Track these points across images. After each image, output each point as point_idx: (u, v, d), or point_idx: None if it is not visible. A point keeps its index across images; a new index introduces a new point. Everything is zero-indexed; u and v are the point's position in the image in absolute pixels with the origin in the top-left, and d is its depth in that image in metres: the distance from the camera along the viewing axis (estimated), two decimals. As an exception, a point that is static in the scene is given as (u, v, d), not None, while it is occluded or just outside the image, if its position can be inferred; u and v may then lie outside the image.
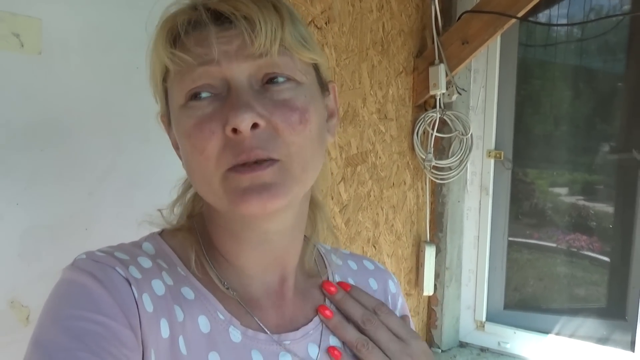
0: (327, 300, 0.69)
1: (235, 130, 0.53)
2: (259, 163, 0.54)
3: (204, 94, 0.56)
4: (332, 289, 0.68)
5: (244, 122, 0.52)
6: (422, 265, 2.19)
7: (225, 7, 0.55)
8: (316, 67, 0.62)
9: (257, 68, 0.56)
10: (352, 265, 0.77)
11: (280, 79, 0.56)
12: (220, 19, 0.56)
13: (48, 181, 0.96)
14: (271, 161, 0.54)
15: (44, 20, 0.94)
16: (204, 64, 0.55)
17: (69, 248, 0.95)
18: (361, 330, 0.65)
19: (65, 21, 0.97)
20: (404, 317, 0.73)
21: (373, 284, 0.76)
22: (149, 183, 1.08)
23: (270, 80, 0.56)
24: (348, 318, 0.67)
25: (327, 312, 0.66)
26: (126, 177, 1.07)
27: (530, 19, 2.15)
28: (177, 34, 0.57)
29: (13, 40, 0.90)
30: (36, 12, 0.93)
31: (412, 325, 0.79)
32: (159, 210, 0.67)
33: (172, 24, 0.57)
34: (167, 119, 0.63)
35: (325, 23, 1.60)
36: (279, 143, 0.55)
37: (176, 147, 0.64)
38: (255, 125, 0.53)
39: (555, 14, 2.25)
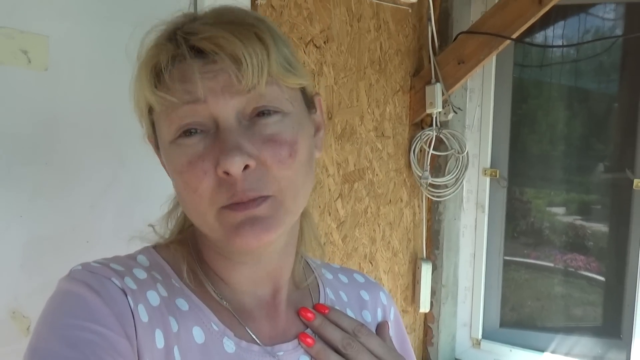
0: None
1: (226, 172, 0.53)
2: (252, 200, 0.55)
3: (193, 131, 0.55)
4: (310, 315, 0.67)
5: (234, 165, 0.52)
6: (419, 282, 2.20)
7: (208, 46, 0.54)
8: (302, 88, 0.62)
9: (246, 103, 0.55)
10: (343, 278, 0.78)
11: (268, 112, 0.56)
12: (203, 52, 0.55)
13: (51, 194, 0.98)
14: (263, 198, 0.55)
15: (51, 38, 0.96)
16: (189, 103, 0.54)
17: (71, 260, 0.96)
18: (343, 355, 0.65)
19: (71, 38, 1.00)
20: (382, 324, 0.74)
21: (364, 295, 0.77)
22: (150, 196, 1.10)
23: (258, 113, 0.56)
24: (328, 344, 0.65)
25: (309, 340, 0.65)
26: (128, 190, 1.09)
27: (526, 39, 2.19)
28: (159, 70, 0.56)
29: (21, 57, 0.93)
30: (44, 30, 0.95)
31: (404, 333, 0.80)
32: (151, 225, 0.68)
33: (155, 60, 0.56)
34: (154, 141, 0.63)
35: (324, 42, 1.63)
36: (270, 179, 0.55)
37: (165, 167, 0.65)
38: (246, 167, 0.54)
39: (550, 34, 2.29)
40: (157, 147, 0.63)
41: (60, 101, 0.99)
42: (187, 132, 0.55)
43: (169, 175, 0.63)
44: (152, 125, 0.61)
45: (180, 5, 1.17)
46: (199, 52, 0.55)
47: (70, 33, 0.99)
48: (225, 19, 0.56)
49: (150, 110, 0.59)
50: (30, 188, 0.96)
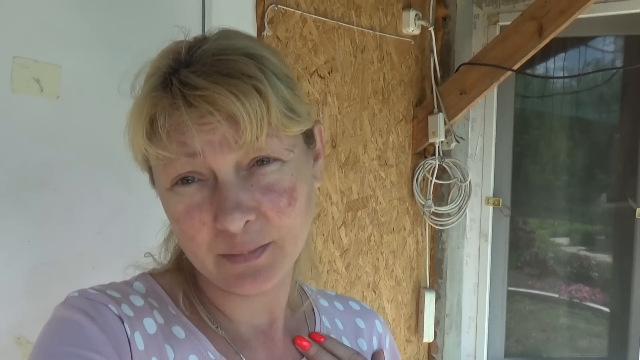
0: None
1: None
2: (252, 252, 0.55)
3: (190, 179, 0.55)
4: (305, 343, 0.66)
5: (234, 224, 0.52)
6: (422, 311, 2.19)
7: (205, 106, 0.52)
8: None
9: (244, 155, 0.54)
10: (339, 306, 0.78)
11: (268, 160, 0.55)
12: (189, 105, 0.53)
13: (59, 219, 1.00)
14: (263, 247, 0.55)
15: (63, 67, 0.99)
16: (187, 156, 0.53)
17: (76, 286, 0.96)
18: None
19: (82, 68, 1.02)
20: (378, 353, 0.74)
21: (360, 323, 0.77)
22: (156, 223, 1.11)
23: (257, 162, 0.55)
24: None
25: None
26: (134, 216, 1.11)
27: (527, 71, 2.22)
28: (154, 120, 0.54)
29: (34, 86, 0.95)
30: (56, 59, 0.98)
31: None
32: (149, 254, 0.67)
33: (151, 112, 0.54)
34: (150, 176, 0.62)
35: (329, 72, 1.66)
36: (269, 228, 0.55)
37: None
38: (246, 221, 0.54)
39: (551, 66, 2.33)
40: (152, 184, 0.63)
41: (70, 128, 1.01)
42: (184, 180, 0.55)
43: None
44: (150, 170, 0.61)
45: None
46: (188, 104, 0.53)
47: (81, 63, 1.02)
48: (223, 67, 0.53)
49: (146, 157, 0.58)
50: (38, 213, 0.97)
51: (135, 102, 0.57)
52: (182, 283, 0.64)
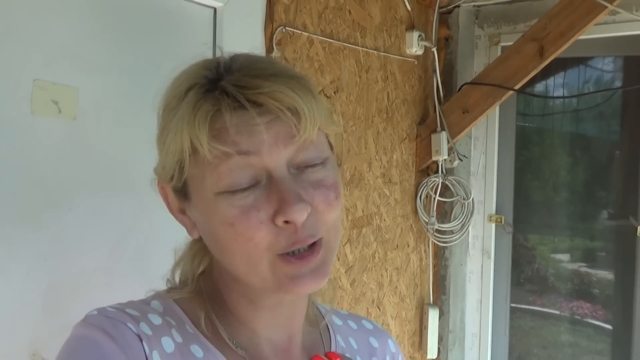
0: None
1: (287, 221, 0.55)
2: (309, 252, 0.57)
3: (244, 182, 0.55)
4: None
5: (298, 214, 0.54)
6: (426, 327, 2.20)
7: (268, 101, 0.54)
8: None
9: (295, 152, 0.56)
10: (352, 324, 0.78)
11: (314, 161, 0.58)
12: (254, 103, 0.55)
13: (74, 237, 1.02)
14: (319, 242, 0.58)
15: (80, 89, 1.02)
16: (242, 154, 0.54)
17: (89, 303, 0.99)
18: None
19: (99, 89, 1.05)
20: None
21: (374, 342, 0.77)
22: (167, 241, 1.14)
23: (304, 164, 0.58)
24: None
25: None
26: (146, 235, 1.13)
27: (528, 89, 2.26)
28: (214, 120, 0.55)
29: (52, 107, 0.98)
30: (74, 82, 1.01)
31: None
32: (168, 279, 0.67)
33: (213, 110, 0.55)
34: (168, 186, 0.62)
35: (334, 92, 1.70)
36: (321, 222, 0.58)
37: (178, 213, 0.64)
38: None
39: (551, 85, 2.36)
40: (180, 195, 0.61)
41: (86, 149, 1.04)
42: (237, 183, 0.55)
43: (178, 219, 0.63)
44: (181, 186, 0.60)
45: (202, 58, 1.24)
46: (251, 104, 0.55)
47: (98, 85, 1.05)
48: (270, 70, 0.57)
49: (183, 161, 0.58)
50: (55, 232, 0.99)
51: (182, 109, 0.57)
52: (202, 303, 0.64)
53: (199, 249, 0.67)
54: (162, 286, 0.68)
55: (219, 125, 0.55)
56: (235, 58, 0.60)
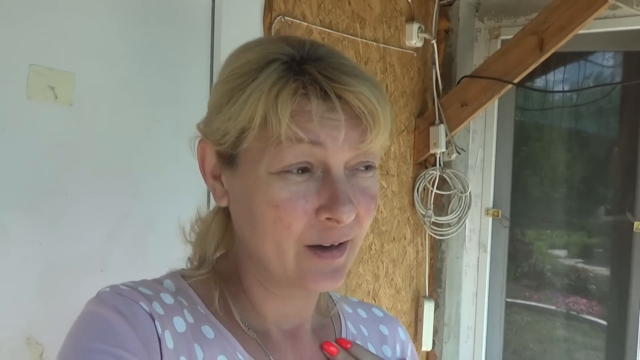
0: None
1: (329, 218, 0.55)
2: (337, 249, 0.58)
3: (302, 169, 0.56)
4: (333, 349, 0.67)
5: (347, 215, 0.55)
6: (421, 320, 2.21)
7: (354, 101, 0.54)
8: None
9: (354, 156, 0.57)
10: (362, 313, 0.79)
11: (367, 167, 0.59)
12: (330, 96, 0.54)
13: (70, 223, 1.02)
14: (347, 243, 0.59)
15: (76, 75, 1.02)
16: (311, 143, 0.54)
17: (85, 289, 0.99)
18: None
19: (96, 76, 1.05)
20: None
21: (384, 329, 0.77)
22: (163, 228, 1.14)
23: (360, 167, 0.58)
24: None
25: (332, 349, 0.67)
26: (142, 222, 1.13)
27: (527, 84, 2.25)
28: (297, 98, 0.54)
29: (48, 93, 0.98)
30: (70, 67, 1.01)
31: None
32: (189, 259, 0.66)
33: (298, 91, 0.54)
34: (211, 148, 0.60)
35: (333, 83, 1.69)
36: (357, 226, 0.59)
37: (210, 177, 0.62)
38: None
39: (551, 79, 2.36)
40: (224, 161, 0.60)
41: (82, 135, 1.03)
42: (298, 169, 0.55)
43: (207, 181, 0.62)
44: (230, 155, 0.59)
45: (200, 46, 1.23)
46: (326, 95, 0.54)
47: (94, 71, 1.05)
48: (354, 70, 0.57)
49: (246, 131, 0.56)
50: (50, 217, 0.99)
51: (261, 79, 0.55)
52: (218, 283, 0.63)
53: (220, 222, 0.66)
54: (163, 271, 0.67)
55: (301, 109, 0.54)
56: (317, 44, 0.60)
